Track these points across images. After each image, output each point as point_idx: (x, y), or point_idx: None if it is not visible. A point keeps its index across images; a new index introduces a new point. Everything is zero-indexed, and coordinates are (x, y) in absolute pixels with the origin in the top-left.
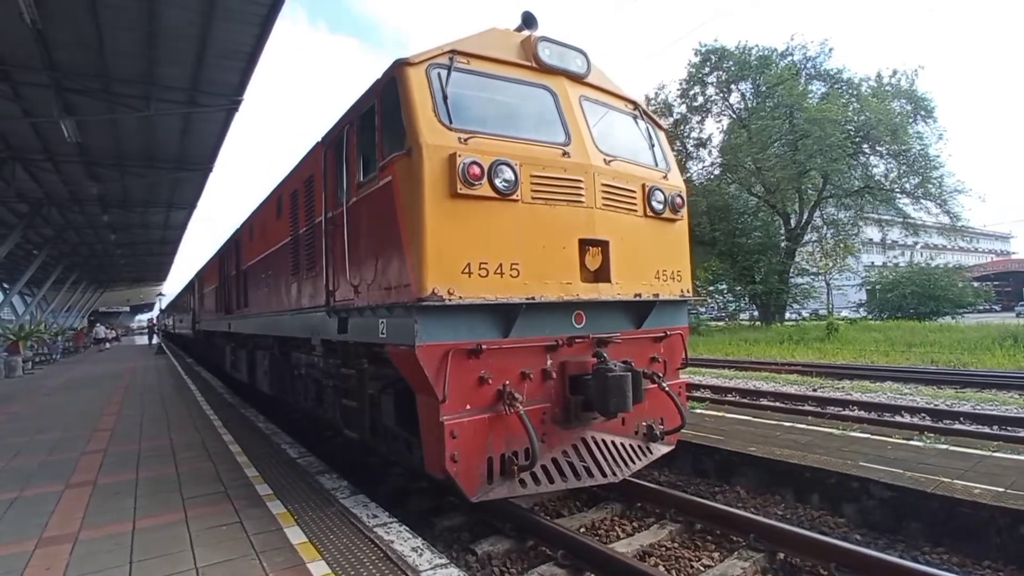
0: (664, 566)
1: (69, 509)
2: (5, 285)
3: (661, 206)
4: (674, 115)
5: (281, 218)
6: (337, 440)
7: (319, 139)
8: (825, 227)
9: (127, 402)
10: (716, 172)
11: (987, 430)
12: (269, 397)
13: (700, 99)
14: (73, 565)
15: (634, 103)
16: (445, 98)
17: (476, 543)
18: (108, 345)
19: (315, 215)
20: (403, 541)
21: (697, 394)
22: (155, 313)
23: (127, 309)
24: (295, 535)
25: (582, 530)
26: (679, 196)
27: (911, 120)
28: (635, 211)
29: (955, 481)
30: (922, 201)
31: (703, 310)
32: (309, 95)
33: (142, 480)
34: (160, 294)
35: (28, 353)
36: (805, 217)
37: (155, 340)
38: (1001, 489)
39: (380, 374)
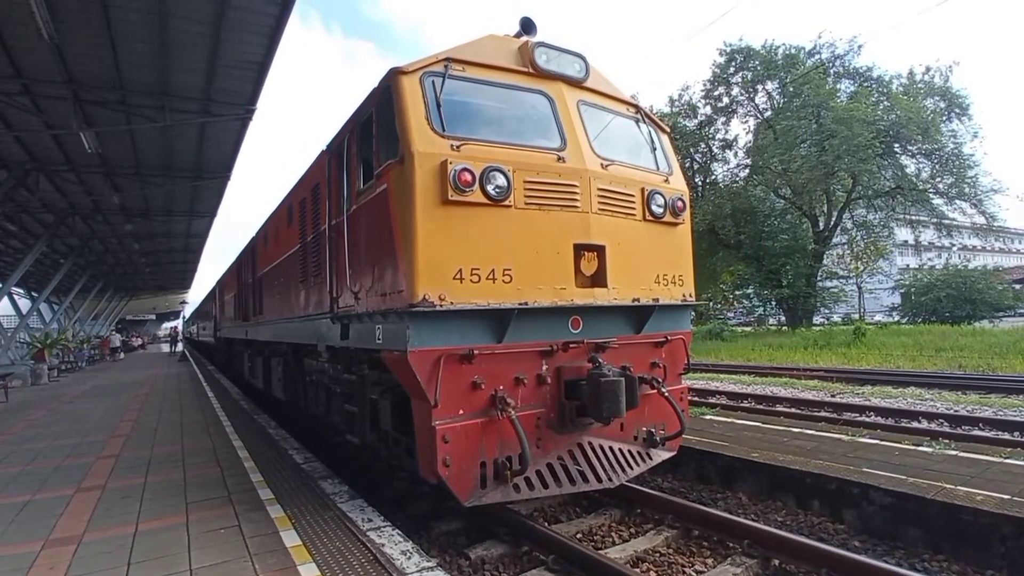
0: (656, 572)
1: (77, 512)
2: (34, 293)
3: (661, 210)
4: (699, 116)
5: (292, 226)
6: (348, 446)
7: (324, 147)
8: (855, 229)
9: (146, 409)
10: (742, 174)
11: (1006, 436)
12: (284, 403)
13: (725, 100)
14: (75, 565)
15: (636, 106)
16: (439, 106)
17: (471, 547)
18: (122, 355)
19: (320, 223)
20: (394, 544)
21: (711, 400)
22: (178, 322)
23: (153, 317)
24: (290, 538)
25: (578, 536)
26: (680, 200)
27: (944, 118)
28: (633, 215)
29: (958, 487)
30: (956, 201)
31: (731, 315)
32: (328, 99)
33: (150, 484)
34: (184, 302)
35: (54, 361)
36: (834, 219)
37: (177, 348)
38: (1007, 496)
39: (380, 379)
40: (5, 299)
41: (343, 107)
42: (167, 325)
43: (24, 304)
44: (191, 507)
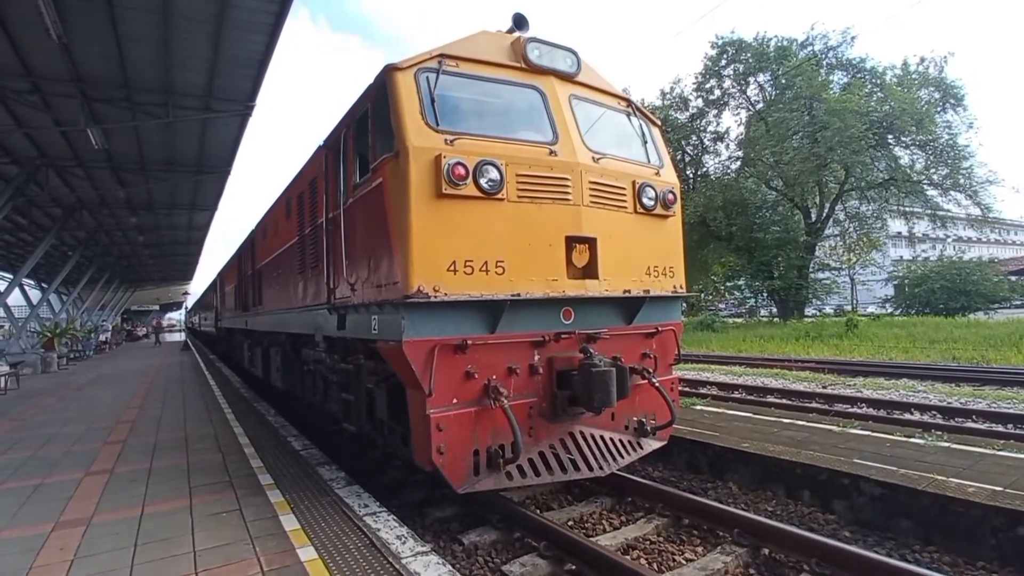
0: (646, 559)
1: (86, 495)
2: (43, 284)
3: (652, 202)
4: (690, 109)
5: (290, 219)
6: (345, 434)
7: (321, 142)
8: (848, 221)
9: (150, 396)
10: (734, 166)
11: (999, 428)
12: (283, 392)
13: (717, 92)
14: (84, 546)
15: (627, 100)
16: (433, 101)
17: (464, 533)
18: (110, 347)
19: (318, 216)
20: (389, 529)
21: (702, 391)
22: (172, 314)
23: (157, 308)
24: (289, 522)
25: (570, 523)
26: (671, 192)
27: (939, 109)
28: (625, 208)
29: (949, 479)
30: (951, 193)
31: (722, 307)
32: (319, 92)
33: (155, 469)
34: (186, 293)
35: (63, 350)
36: (826, 211)
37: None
38: (999, 488)
39: (376, 369)
40: (16, 290)
41: (333, 98)
42: (171, 315)
43: (34, 295)
44: (194, 491)
